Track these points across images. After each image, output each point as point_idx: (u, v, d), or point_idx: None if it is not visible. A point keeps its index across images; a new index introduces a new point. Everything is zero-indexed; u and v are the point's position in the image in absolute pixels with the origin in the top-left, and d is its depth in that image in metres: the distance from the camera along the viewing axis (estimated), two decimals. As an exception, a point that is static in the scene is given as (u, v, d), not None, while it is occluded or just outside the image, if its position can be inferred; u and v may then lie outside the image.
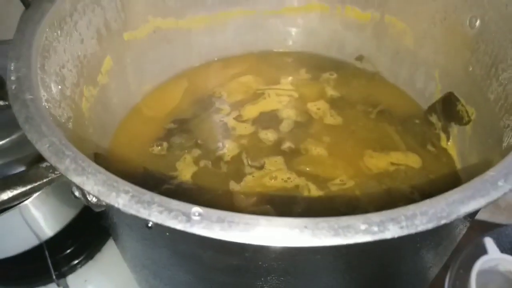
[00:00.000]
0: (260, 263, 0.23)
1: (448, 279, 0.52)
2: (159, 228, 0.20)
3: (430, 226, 0.19)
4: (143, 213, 0.20)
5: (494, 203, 0.59)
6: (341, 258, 0.23)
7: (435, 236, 0.25)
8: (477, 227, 0.62)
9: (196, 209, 0.20)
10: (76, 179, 0.21)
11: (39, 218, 0.44)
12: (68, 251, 0.51)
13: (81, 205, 0.48)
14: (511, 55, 0.33)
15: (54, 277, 0.48)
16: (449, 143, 0.42)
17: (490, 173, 0.21)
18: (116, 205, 0.20)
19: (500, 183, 0.21)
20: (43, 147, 0.22)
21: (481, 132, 0.37)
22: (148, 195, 0.20)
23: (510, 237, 0.55)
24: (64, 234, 0.47)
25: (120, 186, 0.21)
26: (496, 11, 0.34)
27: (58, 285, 0.48)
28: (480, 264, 0.50)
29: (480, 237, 0.54)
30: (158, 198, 0.20)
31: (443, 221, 0.19)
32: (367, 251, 0.23)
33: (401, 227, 0.19)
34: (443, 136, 0.42)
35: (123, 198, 0.20)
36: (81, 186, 0.21)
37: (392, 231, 0.19)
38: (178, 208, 0.20)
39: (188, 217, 0.19)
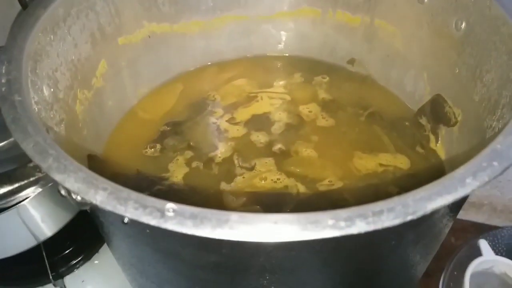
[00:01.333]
0: (237, 259, 0.24)
1: (442, 280, 0.52)
2: (136, 224, 0.21)
3: (396, 222, 0.20)
4: (119, 209, 0.20)
5: (490, 206, 0.59)
6: (316, 255, 0.24)
7: (410, 233, 0.25)
8: (473, 230, 0.62)
9: (170, 205, 0.20)
10: (58, 177, 0.22)
11: (37, 219, 0.45)
12: (66, 252, 0.51)
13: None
14: (494, 56, 0.33)
15: (51, 277, 0.49)
16: (438, 145, 0.42)
17: (460, 171, 0.22)
18: (94, 202, 0.21)
19: (468, 180, 0.21)
20: (28, 146, 0.23)
21: (467, 133, 0.37)
22: (125, 192, 0.21)
23: (505, 239, 0.55)
24: (62, 235, 0.48)
25: (99, 183, 0.21)
26: (480, 14, 0.35)
27: (55, 285, 0.49)
28: (474, 266, 0.50)
29: (475, 239, 0.54)
30: (134, 195, 0.21)
31: (409, 217, 0.20)
32: (341, 247, 0.24)
33: (368, 223, 0.20)
34: (432, 137, 0.43)
35: (101, 195, 0.21)
36: (62, 183, 0.22)
37: (359, 227, 0.19)
38: (153, 205, 0.20)
39: (162, 213, 0.20)
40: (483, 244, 0.53)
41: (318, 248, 0.23)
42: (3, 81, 0.27)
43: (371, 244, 0.24)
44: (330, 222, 0.20)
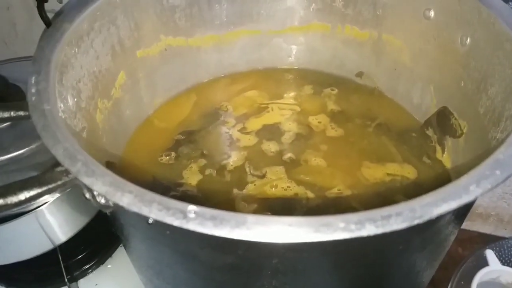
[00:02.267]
0: (252, 260, 0.25)
1: (449, 290, 0.53)
2: (159, 225, 0.22)
3: (404, 225, 0.21)
4: (144, 210, 0.22)
5: (497, 217, 0.60)
6: (327, 257, 0.25)
7: (416, 239, 0.27)
8: (480, 240, 0.63)
9: (192, 207, 0.22)
10: (86, 180, 0.23)
11: (54, 223, 0.47)
12: (80, 256, 0.53)
13: (93, 212, 0.50)
14: (498, 70, 0.35)
15: (66, 280, 0.50)
16: (444, 155, 0.43)
17: (464, 178, 0.23)
18: (121, 204, 0.22)
19: (471, 188, 0.22)
20: (58, 152, 0.25)
21: (472, 144, 0.38)
22: (149, 195, 0.22)
23: (511, 249, 0.56)
24: (77, 240, 0.50)
25: (125, 187, 0.23)
26: (485, 29, 0.36)
27: (69, 288, 0.51)
28: (480, 276, 0.51)
29: (482, 250, 0.55)
30: (158, 197, 0.22)
31: (416, 221, 0.21)
32: (351, 251, 0.25)
33: (377, 226, 0.21)
34: (438, 148, 0.44)
35: (127, 197, 0.22)
36: (91, 186, 0.23)
37: (368, 229, 0.21)
38: (175, 207, 0.22)
39: (184, 215, 0.22)
40: (490, 254, 0.54)
41: (329, 250, 0.24)
42: (33, 91, 0.29)
43: (379, 248, 0.25)
44: (341, 225, 0.21)
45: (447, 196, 0.22)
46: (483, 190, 0.22)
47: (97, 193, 0.24)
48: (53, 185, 0.27)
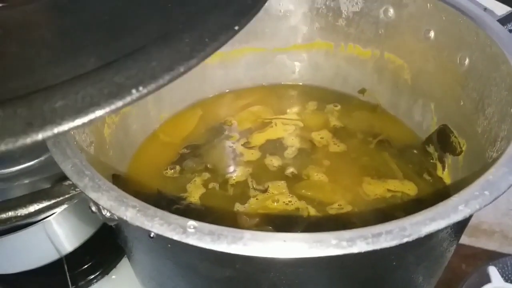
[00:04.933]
0: (249, 274, 0.26)
1: (450, 306, 0.53)
2: (160, 239, 0.23)
3: (393, 243, 0.22)
4: (146, 225, 0.23)
5: (502, 234, 0.60)
6: (323, 272, 0.26)
7: (409, 255, 0.27)
8: (484, 257, 0.63)
9: (191, 222, 0.23)
10: (93, 195, 0.25)
11: (61, 234, 0.48)
12: (86, 266, 0.54)
13: (99, 223, 0.51)
14: (494, 91, 0.35)
15: (71, 290, 0.51)
16: (444, 172, 0.44)
17: (454, 198, 0.24)
18: (124, 218, 0.23)
19: (460, 208, 0.23)
20: (66, 167, 0.26)
21: (471, 163, 0.39)
22: (151, 210, 0.23)
23: (514, 267, 0.56)
24: (83, 250, 0.50)
25: (129, 201, 0.24)
26: (482, 51, 0.37)
27: (75, 298, 0.51)
28: (483, 293, 0.51)
29: (485, 266, 0.55)
30: (160, 212, 0.23)
31: (405, 240, 0.22)
32: (345, 266, 0.26)
33: (368, 243, 0.22)
34: (439, 165, 0.44)
35: (131, 212, 0.23)
36: (96, 201, 0.24)
37: (359, 246, 0.22)
38: (176, 222, 0.23)
39: (184, 229, 0.23)
40: (493, 271, 0.54)
41: (325, 266, 0.25)
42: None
43: (373, 264, 0.26)
44: (334, 241, 0.22)
45: (436, 215, 0.23)
46: (471, 210, 0.23)
47: (102, 207, 0.26)
48: (61, 198, 0.28)
